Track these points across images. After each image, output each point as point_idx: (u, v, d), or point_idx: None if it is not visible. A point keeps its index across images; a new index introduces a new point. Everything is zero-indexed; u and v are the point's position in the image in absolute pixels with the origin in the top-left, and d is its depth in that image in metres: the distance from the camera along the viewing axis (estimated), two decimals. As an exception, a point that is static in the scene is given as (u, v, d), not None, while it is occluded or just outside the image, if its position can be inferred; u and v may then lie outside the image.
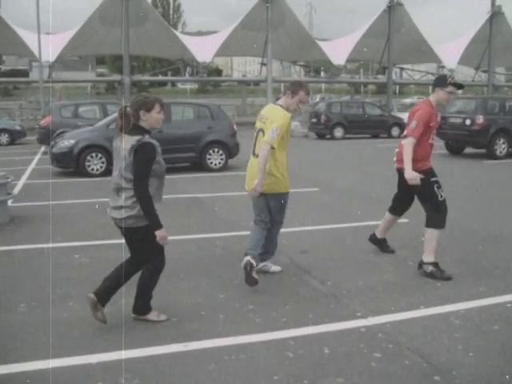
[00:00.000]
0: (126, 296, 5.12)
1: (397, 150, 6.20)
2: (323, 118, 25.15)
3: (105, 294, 4.52)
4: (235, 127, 14.97)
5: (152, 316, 4.70)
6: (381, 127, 26.11)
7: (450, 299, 5.19)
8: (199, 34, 60.44)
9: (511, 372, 3.84)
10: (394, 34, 39.83)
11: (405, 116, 29.18)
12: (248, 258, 5.39)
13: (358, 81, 54.04)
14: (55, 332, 4.46)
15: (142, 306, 4.69)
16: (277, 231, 5.87)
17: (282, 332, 4.49)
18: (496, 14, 43.59)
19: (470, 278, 5.84)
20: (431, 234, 5.91)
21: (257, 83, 55.24)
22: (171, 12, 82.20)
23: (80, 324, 4.66)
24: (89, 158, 13.37)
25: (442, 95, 5.97)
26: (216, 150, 14.45)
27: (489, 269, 6.13)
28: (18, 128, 25.02)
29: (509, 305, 5.06)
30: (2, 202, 8.50)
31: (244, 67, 77.14)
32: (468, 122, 17.26)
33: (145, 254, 4.55)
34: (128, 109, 4.39)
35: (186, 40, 40.64)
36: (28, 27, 37.11)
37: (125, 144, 4.32)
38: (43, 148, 19.40)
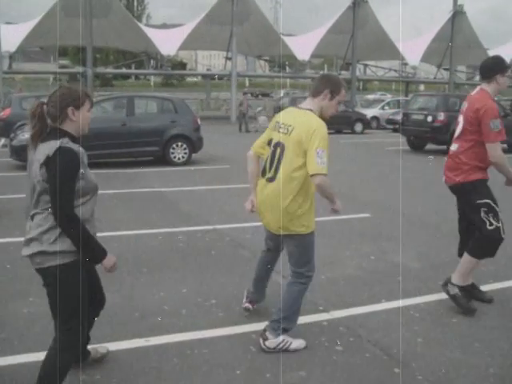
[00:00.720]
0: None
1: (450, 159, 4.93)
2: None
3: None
4: (199, 121, 14.91)
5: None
6: (344, 123, 26.34)
7: (411, 293, 5.27)
8: (164, 26, 59.96)
9: (469, 363, 3.93)
10: (358, 31, 40.12)
11: (368, 112, 29.77)
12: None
13: (322, 76, 54.16)
14: (15, 328, 4.38)
15: None
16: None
17: (245, 326, 4.50)
18: (458, 13, 44.27)
19: (429, 272, 5.95)
20: (467, 263, 4.85)
21: (221, 77, 55.02)
22: (135, 4, 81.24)
23: (40, 320, 4.58)
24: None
25: (502, 81, 4.73)
26: (180, 144, 14.37)
27: (448, 263, 6.23)
28: (-24, 120, 24.40)
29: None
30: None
31: (209, 61, 76.81)
32: (429, 118, 17.55)
33: (60, 310, 3.19)
34: (45, 106, 3.19)
35: (151, 32, 40.27)
36: (-13, 16, 36.28)
37: (37, 155, 3.09)
38: (3, 140, 19.01)
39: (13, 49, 35.36)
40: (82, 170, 3.08)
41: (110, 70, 49.43)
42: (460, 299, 4.80)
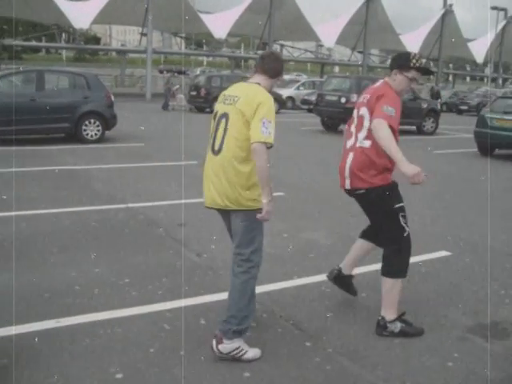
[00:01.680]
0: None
1: (349, 158, 4.21)
2: (203, 91, 25.08)
3: None
4: (113, 98, 14.54)
5: None
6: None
7: (322, 269, 5.40)
8: (76, -1, 57.81)
9: (376, 336, 4.11)
10: (275, 11, 40.27)
11: (284, 92, 30.02)
12: None
13: (238, 55, 54.24)
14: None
15: None
16: None
17: (159, 305, 4.49)
18: (372, -3, 45.27)
19: (341, 248, 6.12)
20: (391, 288, 4.19)
21: (136, 53, 53.87)
22: (46, -26, 77.86)
23: None
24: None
25: (399, 79, 4.21)
26: (92, 121, 13.96)
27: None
28: None
29: (375, 274, 5.36)
30: None
31: (124, 36, 75.01)
32: (343, 100, 17.95)
33: None
34: None
35: (63, 4, 38.65)
36: None
37: None
38: None
39: None
40: None
41: (18, 42, 47.20)
42: (408, 331, 4.19)
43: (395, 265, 4.16)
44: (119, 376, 3.47)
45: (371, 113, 4.08)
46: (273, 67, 3.89)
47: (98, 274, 5.11)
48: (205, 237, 6.31)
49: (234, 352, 3.70)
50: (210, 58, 62.25)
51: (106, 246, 5.92)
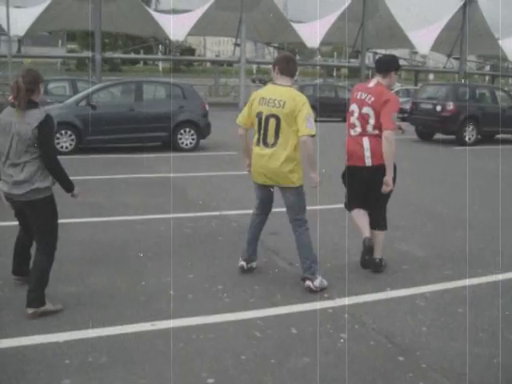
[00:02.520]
0: (95, 275, 5.12)
1: (365, 142, 5.27)
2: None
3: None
4: (207, 107, 14.87)
5: (49, 306, 4.39)
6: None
7: (416, 282, 5.28)
8: (173, 11, 59.68)
9: (473, 353, 3.94)
10: (368, 19, 39.81)
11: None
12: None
13: (331, 64, 54.03)
14: (22, 311, 4.42)
15: (39, 296, 4.34)
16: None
17: (251, 312, 4.53)
18: (469, 2, 43.85)
19: (435, 261, 5.95)
20: (381, 237, 5.56)
21: (230, 64, 54.88)
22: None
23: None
24: (58, 135, 13.15)
25: (394, 79, 5.51)
26: (187, 129, 14.35)
27: (454, 253, 6.24)
28: (-15, 103, 24.53)
29: (473, 288, 5.17)
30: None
31: (218, 47, 76.60)
32: (439, 108, 17.43)
33: (42, 229, 4.41)
34: (20, 81, 4.23)
35: (160, 18, 40.07)
36: (-4, 0, 36.17)
37: (26, 119, 4.19)
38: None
39: (22, 33, 35.32)
40: None
41: (118, 55, 49.29)
42: (382, 264, 5.55)
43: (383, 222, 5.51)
44: (211, 381, 3.52)
45: (377, 113, 5.17)
46: (295, 69, 5.00)
47: (191, 280, 5.22)
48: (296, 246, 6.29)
49: (322, 285, 4.96)
50: (302, 67, 62.29)
51: (199, 252, 6.03)
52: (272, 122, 4.84)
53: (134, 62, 70.79)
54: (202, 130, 14.53)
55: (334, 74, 67.09)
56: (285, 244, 6.33)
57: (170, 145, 14.13)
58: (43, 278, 4.39)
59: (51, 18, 36.99)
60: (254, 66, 70.97)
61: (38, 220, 4.40)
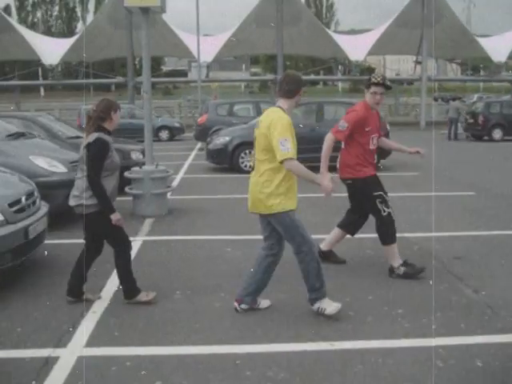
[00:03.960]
0: (276, 291, 5.24)
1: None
2: (481, 118, 23.89)
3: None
4: (388, 127, 14.68)
5: (142, 297, 5.04)
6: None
7: None
8: (352, 32, 59.99)
9: None
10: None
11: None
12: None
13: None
14: (207, 320, 4.67)
15: (129, 289, 5.04)
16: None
17: (432, 340, 4.34)
18: None
19: None
20: (387, 251, 5.84)
21: (410, 82, 53.70)
22: (324, 11, 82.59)
23: (230, 314, 4.83)
24: (242, 154, 13.75)
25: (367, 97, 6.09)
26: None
27: None
28: (177, 125, 26.54)
29: None
30: (162, 194, 9.03)
31: (397, 65, 75.45)
32: None
33: (103, 237, 5.03)
34: (90, 110, 4.93)
35: (339, 39, 40.48)
36: (188, 30, 39.03)
37: (86, 140, 4.80)
38: (199, 144, 20.28)
39: (210, 59, 37.71)
40: (109, 153, 4.75)
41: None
42: (409, 271, 5.70)
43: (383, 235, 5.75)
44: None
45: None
46: (290, 90, 4.63)
47: (371, 302, 5.15)
48: (483, 272, 5.95)
49: (319, 310, 4.69)
50: (487, 83, 59.07)
51: (380, 273, 5.91)
52: (255, 144, 4.72)
53: (314, 82, 72.14)
54: (382, 149, 14.31)
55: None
56: (469, 269, 6.03)
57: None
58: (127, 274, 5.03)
59: (237, 44, 39.00)
60: (435, 84, 68.82)
61: (93, 230, 4.95)
